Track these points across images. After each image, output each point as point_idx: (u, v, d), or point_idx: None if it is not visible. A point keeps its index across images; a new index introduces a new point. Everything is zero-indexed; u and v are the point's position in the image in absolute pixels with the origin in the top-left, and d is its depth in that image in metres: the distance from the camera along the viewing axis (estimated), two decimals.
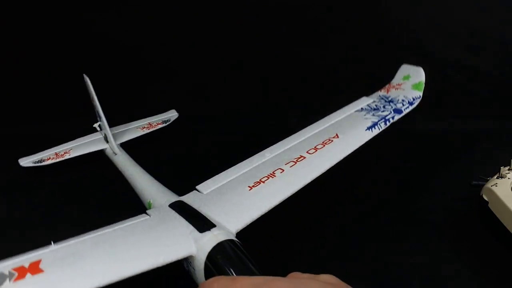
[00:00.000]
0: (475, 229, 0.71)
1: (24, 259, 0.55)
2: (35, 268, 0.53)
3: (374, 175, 0.86)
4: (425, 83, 0.91)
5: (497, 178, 0.71)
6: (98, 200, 0.84)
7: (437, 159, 0.90)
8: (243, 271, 0.53)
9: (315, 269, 0.65)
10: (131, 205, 0.78)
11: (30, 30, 1.14)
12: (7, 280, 0.51)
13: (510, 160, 0.72)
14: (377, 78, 0.92)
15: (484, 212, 0.71)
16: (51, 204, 0.83)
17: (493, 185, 0.70)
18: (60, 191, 0.87)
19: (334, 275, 0.43)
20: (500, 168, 0.72)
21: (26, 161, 0.90)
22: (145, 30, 1.13)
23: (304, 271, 0.43)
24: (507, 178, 0.70)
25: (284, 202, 0.65)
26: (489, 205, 0.70)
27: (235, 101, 1.14)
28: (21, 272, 0.52)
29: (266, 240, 0.67)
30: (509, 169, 0.71)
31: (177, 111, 1.07)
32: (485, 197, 0.71)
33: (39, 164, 0.89)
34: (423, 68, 0.87)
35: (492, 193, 0.69)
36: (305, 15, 1.11)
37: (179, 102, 1.09)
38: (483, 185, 0.72)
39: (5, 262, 0.54)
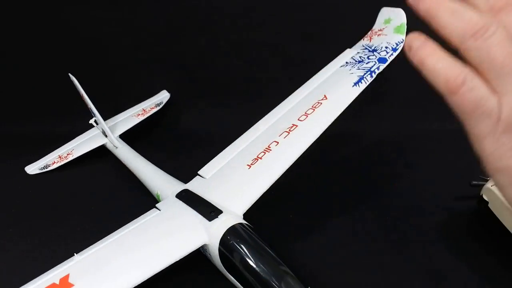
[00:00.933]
0: (475, 229, 0.71)
1: (53, 276, 0.59)
2: (65, 283, 0.57)
3: (373, 175, 0.85)
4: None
5: None
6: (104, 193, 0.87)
7: (437, 159, 0.88)
8: (257, 251, 0.57)
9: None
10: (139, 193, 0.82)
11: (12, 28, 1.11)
12: None
13: None
14: None
15: (484, 212, 0.70)
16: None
17: (493, 185, 0.68)
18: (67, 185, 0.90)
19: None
20: None
21: (32, 169, 0.93)
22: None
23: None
24: None
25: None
26: (489, 205, 0.69)
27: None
28: None
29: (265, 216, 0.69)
30: None
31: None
32: (485, 197, 0.70)
33: (46, 169, 0.92)
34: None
35: (492, 193, 0.69)
36: None
37: (168, 84, 1.09)
38: (483, 185, 0.71)
39: (36, 282, 0.59)
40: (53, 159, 0.93)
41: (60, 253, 0.62)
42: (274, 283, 0.54)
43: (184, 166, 0.81)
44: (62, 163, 0.92)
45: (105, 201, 0.83)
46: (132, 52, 1.07)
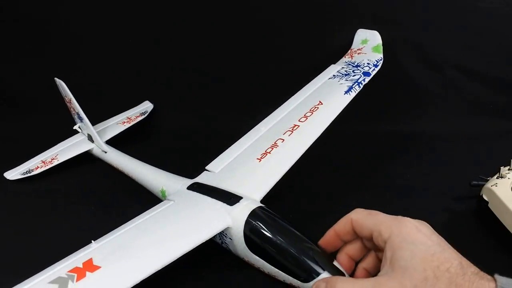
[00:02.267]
0: (475, 229, 0.71)
1: (75, 260, 0.57)
2: (90, 266, 0.56)
3: (373, 175, 0.87)
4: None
5: (497, 178, 0.71)
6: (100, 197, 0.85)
7: (437, 159, 0.91)
8: (283, 230, 0.60)
9: None
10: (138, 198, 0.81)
11: None
12: (70, 282, 0.53)
13: (510, 160, 0.72)
14: None
15: (484, 212, 0.71)
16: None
17: (493, 185, 0.69)
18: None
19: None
20: (500, 168, 0.71)
21: (13, 174, 0.88)
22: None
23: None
24: (507, 178, 0.70)
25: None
26: (489, 205, 0.70)
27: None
28: (79, 272, 0.55)
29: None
30: (509, 169, 0.71)
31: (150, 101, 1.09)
32: (485, 197, 0.71)
33: (28, 175, 0.88)
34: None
35: (492, 193, 0.69)
36: None
37: (150, 92, 1.10)
38: (483, 185, 0.72)
39: (57, 267, 0.57)
40: (36, 164, 0.90)
41: (60, 253, 0.60)
42: (303, 258, 0.57)
43: (174, 169, 0.81)
44: (46, 168, 0.89)
45: (105, 201, 0.82)
46: (119, 52, 1.08)
